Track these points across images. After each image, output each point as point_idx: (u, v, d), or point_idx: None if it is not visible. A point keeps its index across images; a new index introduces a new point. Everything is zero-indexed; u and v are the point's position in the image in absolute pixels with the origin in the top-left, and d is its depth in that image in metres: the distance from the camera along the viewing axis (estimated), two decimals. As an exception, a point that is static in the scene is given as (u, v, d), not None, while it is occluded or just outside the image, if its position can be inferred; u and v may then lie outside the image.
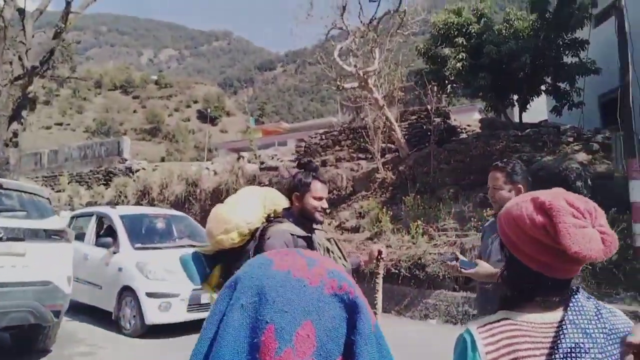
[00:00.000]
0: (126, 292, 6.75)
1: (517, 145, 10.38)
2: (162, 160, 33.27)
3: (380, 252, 2.50)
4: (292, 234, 2.53)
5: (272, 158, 17.58)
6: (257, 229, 2.57)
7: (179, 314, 6.38)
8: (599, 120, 12.09)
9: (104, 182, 19.63)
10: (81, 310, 7.61)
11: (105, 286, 7.13)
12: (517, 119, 12.44)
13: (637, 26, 9.20)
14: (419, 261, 7.83)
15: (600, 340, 1.02)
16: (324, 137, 15.72)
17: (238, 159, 16.17)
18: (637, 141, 6.95)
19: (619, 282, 6.43)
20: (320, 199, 2.61)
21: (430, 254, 7.87)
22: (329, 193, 13.60)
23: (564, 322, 1.04)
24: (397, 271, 7.93)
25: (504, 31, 11.34)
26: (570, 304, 1.07)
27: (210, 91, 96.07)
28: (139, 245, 7.18)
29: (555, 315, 1.07)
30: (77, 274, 6.99)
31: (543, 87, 11.57)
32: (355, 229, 10.83)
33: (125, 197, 17.01)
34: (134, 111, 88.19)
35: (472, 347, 1.07)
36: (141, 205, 14.73)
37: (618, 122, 7.81)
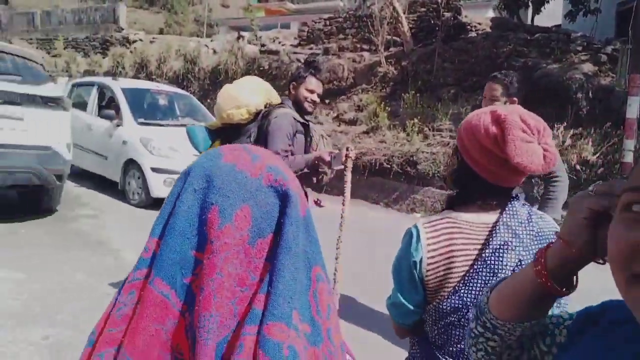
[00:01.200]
0: (131, 164, 6.99)
1: (524, 49, 10.13)
2: (161, 32, 31.90)
3: (348, 149, 2.75)
4: (293, 117, 2.92)
5: (274, 41, 17.00)
6: (260, 111, 2.95)
7: (183, 190, 6.70)
8: (613, 30, 11.67)
9: (101, 51, 19.12)
10: (88, 178, 7.97)
11: (110, 157, 7.38)
12: (529, 21, 11.97)
13: None
14: (412, 158, 8.08)
15: (526, 240, 1.18)
16: (328, 23, 15.09)
17: (238, 38, 15.64)
18: (644, 57, 6.85)
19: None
20: (312, 92, 2.99)
21: (422, 152, 8.10)
22: (329, 83, 13.31)
23: (497, 223, 1.19)
24: (389, 166, 8.21)
25: None
26: (507, 208, 1.21)
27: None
28: (142, 120, 7.31)
29: (492, 217, 1.22)
30: (82, 143, 7.24)
31: (562, -11, 11.00)
32: (353, 122, 10.93)
33: (123, 68, 16.69)
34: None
35: (417, 238, 1.22)
36: (139, 78, 14.56)
37: (629, 35, 7.60)
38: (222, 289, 0.65)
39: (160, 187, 6.67)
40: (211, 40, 18.32)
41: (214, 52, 15.97)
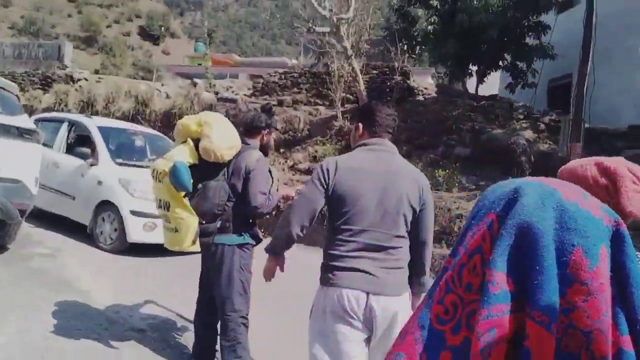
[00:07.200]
0: (105, 206, 6.47)
1: (471, 114, 10.99)
2: (96, 72, 31.23)
3: None
4: None
5: (228, 90, 17.21)
6: None
7: (165, 235, 6.39)
8: (545, 102, 12.99)
9: (40, 87, 18.35)
10: (32, 216, 7.39)
11: (79, 198, 6.84)
12: (472, 90, 13.05)
13: (603, 18, 9.81)
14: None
15: None
16: (283, 77, 15.58)
17: (194, 85, 15.71)
18: (583, 128, 7.69)
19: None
20: (275, 140, 3.55)
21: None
22: (284, 133, 13.54)
23: None
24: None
25: (476, 1, 11.60)
26: None
27: (156, 8, 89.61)
28: (120, 160, 6.85)
29: None
30: (45, 181, 6.63)
31: (502, 63, 12.15)
32: (308, 172, 11.14)
33: (66, 105, 16.08)
34: (69, 15, 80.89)
35: None
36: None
37: (564, 107, 8.51)
38: (608, 328, 0.67)
39: (139, 232, 6.15)
40: (162, 85, 18.22)
41: (167, 96, 15.88)
